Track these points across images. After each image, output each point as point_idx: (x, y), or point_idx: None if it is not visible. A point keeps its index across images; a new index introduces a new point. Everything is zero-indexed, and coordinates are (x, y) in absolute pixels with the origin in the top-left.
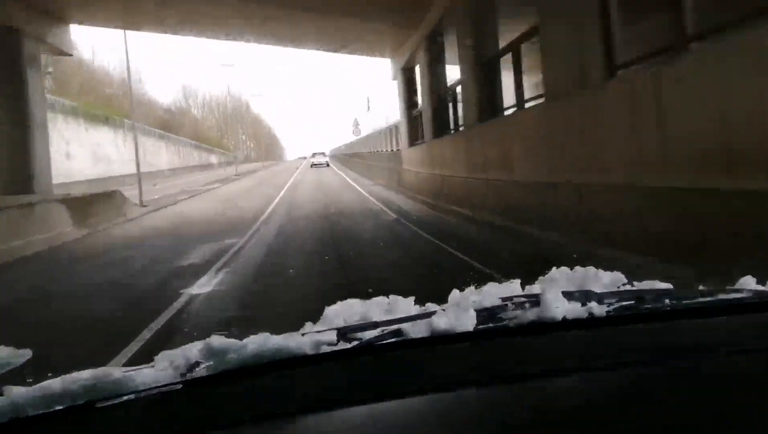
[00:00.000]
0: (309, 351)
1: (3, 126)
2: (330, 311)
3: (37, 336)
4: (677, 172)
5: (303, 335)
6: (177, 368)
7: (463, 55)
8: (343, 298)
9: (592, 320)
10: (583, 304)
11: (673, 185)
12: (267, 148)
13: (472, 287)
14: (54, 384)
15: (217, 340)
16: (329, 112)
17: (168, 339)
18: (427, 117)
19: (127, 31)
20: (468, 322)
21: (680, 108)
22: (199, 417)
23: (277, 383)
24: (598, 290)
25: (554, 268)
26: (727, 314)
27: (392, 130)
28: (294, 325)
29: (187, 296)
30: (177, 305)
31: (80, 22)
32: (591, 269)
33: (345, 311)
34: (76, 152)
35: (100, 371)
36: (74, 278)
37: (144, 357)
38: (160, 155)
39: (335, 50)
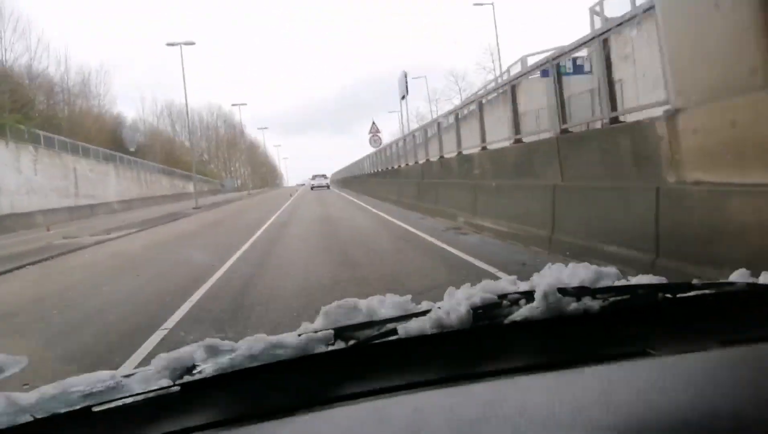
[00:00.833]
0: (305, 351)
1: None
2: (327, 310)
3: None
4: None
5: (299, 335)
6: (174, 371)
7: None
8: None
9: (586, 315)
10: (578, 300)
11: None
12: (264, 175)
13: (468, 284)
14: (51, 389)
15: (213, 342)
16: (334, 134)
17: None
18: None
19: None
20: (464, 319)
21: None
22: (196, 419)
23: (274, 383)
24: (592, 285)
25: (549, 264)
26: (721, 307)
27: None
28: (291, 323)
29: None
30: None
31: None
32: (586, 265)
33: (341, 310)
34: None
35: (96, 375)
36: None
37: None
38: (106, 183)
39: None
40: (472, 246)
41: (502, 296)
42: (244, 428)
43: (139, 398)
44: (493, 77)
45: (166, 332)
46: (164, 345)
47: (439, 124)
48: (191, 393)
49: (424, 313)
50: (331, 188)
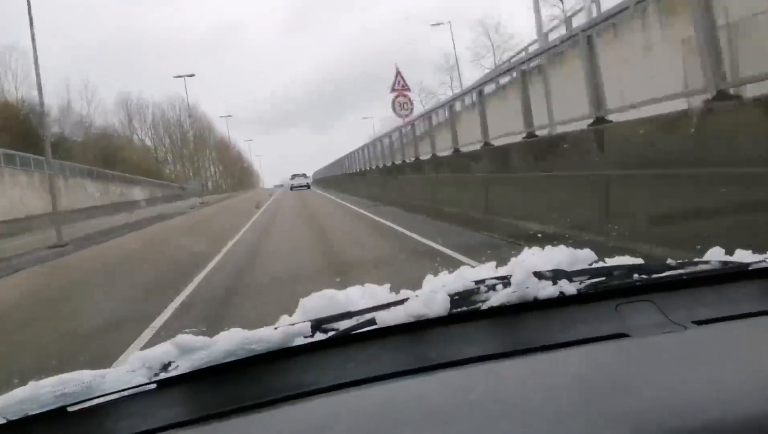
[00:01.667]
0: (282, 344)
1: None
2: (305, 302)
3: None
4: None
5: (276, 328)
6: (150, 368)
7: None
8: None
9: (562, 298)
10: (554, 283)
11: None
12: (238, 175)
13: (446, 272)
14: (23, 391)
15: (188, 338)
16: (314, 132)
17: None
18: None
19: None
20: (441, 306)
21: None
22: (172, 416)
23: (250, 377)
24: (568, 268)
25: (526, 248)
26: (696, 286)
27: None
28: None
29: None
30: None
31: None
32: (562, 247)
33: (320, 302)
34: None
35: (70, 376)
36: None
37: None
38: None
39: None
40: None
41: (480, 282)
42: (222, 422)
43: (114, 396)
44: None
45: None
46: None
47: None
48: (168, 390)
49: (402, 302)
50: (312, 188)
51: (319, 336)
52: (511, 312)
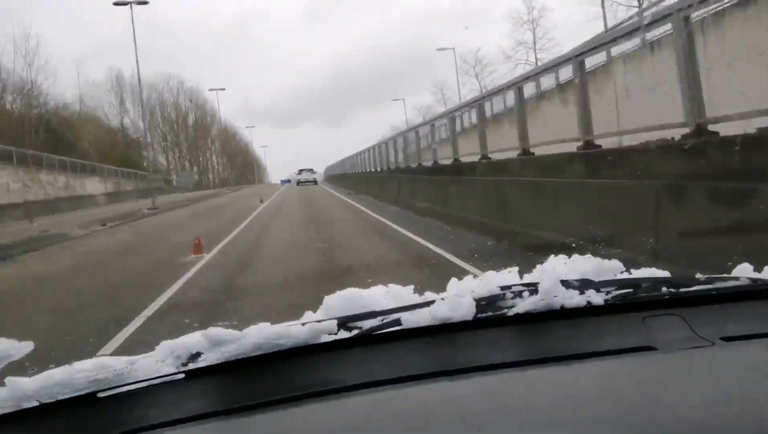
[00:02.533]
0: (309, 341)
1: None
2: (329, 300)
3: None
4: None
5: (303, 325)
6: (178, 358)
7: None
8: None
9: (590, 308)
10: (581, 292)
11: None
12: (241, 168)
13: (471, 276)
14: (56, 374)
15: (218, 331)
16: (326, 127)
17: None
18: None
19: None
20: (467, 311)
21: None
22: (200, 407)
23: (277, 372)
24: (595, 278)
25: (552, 256)
26: (724, 302)
27: None
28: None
29: None
30: None
31: None
32: (589, 257)
33: (344, 300)
34: None
35: (101, 361)
36: None
37: None
38: None
39: None
40: None
41: (506, 288)
42: (250, 416)
43: (143, 384)
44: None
45: None
46: None
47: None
48: (195, 381)
49: (427, 304)
50: (324, 186)
51: (344, 334)
52: (537, 320)
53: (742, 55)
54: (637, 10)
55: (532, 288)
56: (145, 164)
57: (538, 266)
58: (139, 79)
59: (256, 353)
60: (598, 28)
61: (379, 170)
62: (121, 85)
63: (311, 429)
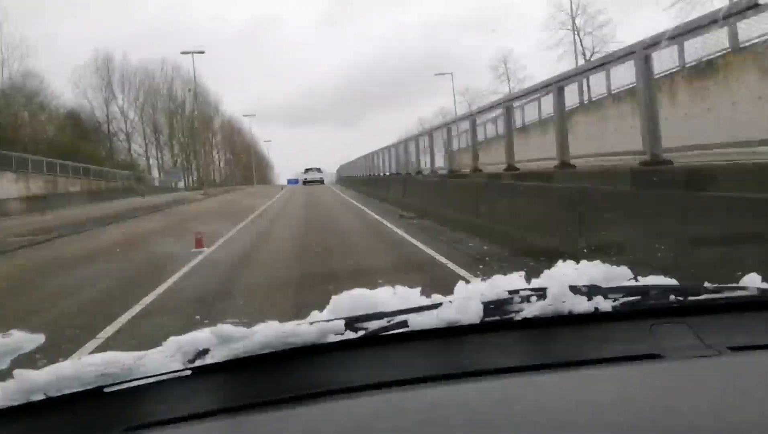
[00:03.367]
0: (317, 340)
1: None
2: (336, 300)
3: None
4: None
5: (311, 324)
6: (186, 354)
7: None
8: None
9: (597, 314)
10: (589, 298)
11: None
12: (247, 166)
13: (479, 279)
14: (64, 368)
15: (226, 328)
16: (338, 127)
17: None
18: None
19: None
20: (475, 314)
21: None
22: (206, 404)
23: (285, 371)
24: (604, 284)
25: (560, 261)
26: (732, 311)
27: None
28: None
29: None
30: None
31: None
32: (597, 263)
33: (351, 300)
34: None
35: (110, 355)
36: None
37: None
38: None
39: None
40: None
41: (513, 292)
42: (254, 415)
43: (150, 380)
44: None
45: None
46: None
47: None
48: (202, 377)
49: (435, 306)
50: (337, 191)
51: (351, 335)
52: (545, 325)
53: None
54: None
55: (541, 293)
56: (123, 158)
57: (546, 272)
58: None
59: (264, 351)
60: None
61: (418, 172)
62: (110, 69)
63: (317, 429)
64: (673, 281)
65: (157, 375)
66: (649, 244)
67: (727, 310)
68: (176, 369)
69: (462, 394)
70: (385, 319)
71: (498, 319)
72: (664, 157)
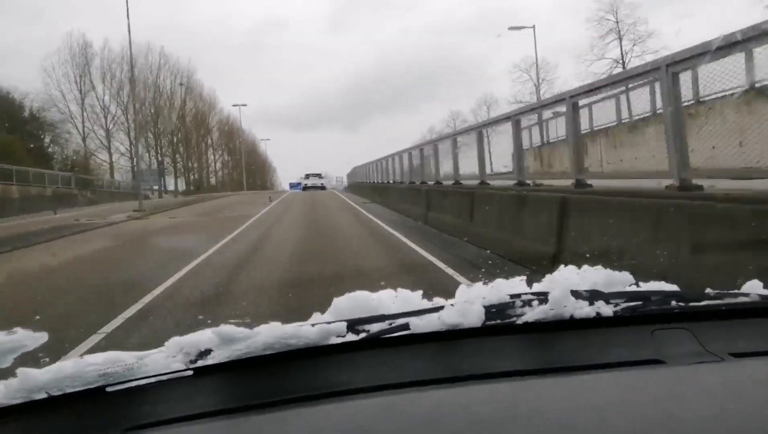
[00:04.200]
0: (318, 342)
1: None
2: (338, 302)
3: None
4: None
5: (313, 326)
6: (187, 355)
7: None
8: None
9: (599, 319)
10: (591, 303)
11: None
12: (246, 169)
13: (480, 283)
14: (67, 367)
15: (228, 329)
16: (343, 132)
17: None
18: None
19: None
20: (476, 318)
21: None
22: (208, 404)
23: (286, 372)
24: (605, 289)
25: (562, 266)
26: (733, 318)
27: None
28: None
29: None
30: None
31: None
32: (599, 268)
33: (353, 302)
34: None
35: (111, 355)
36: None
37: None
38: None
39: None
40: None
41: (515, 296)
42: (255, 416)
43: (152, 380)
44: None
45: None
46: None
47: None
48: (204, 378)
49: (436, 309)
50: (353, 205)
51: (353, 337)
52: (546, 329)
53: None
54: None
55: (542, 297)
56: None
57: (548, 276)
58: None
59: (266, 352)
60: None
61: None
62: (87, 57)
63: (318, 431)
64: (674, 287)
65: (158, 375)
66: None
67: (728, 316)
68: (178, 369)
69: (463, 397)
70: (387, 322)
71: (499, 323)
72: None
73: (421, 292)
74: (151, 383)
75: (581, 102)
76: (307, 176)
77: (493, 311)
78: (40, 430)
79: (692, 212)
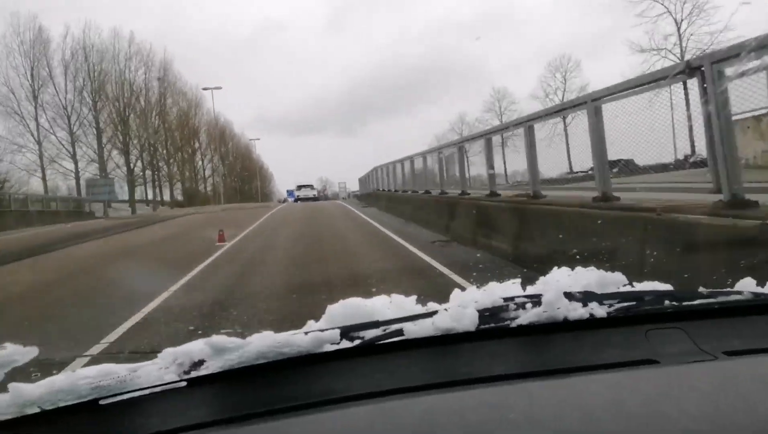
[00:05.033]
0: (312, 350)
1: None
2: (332, 309)
3: None
4: None
5: (306, 334)
6: (181, 365)
7: None
8: None
9: (592, 320)
10: (584, 305)
11: None
12: (238, 175)
13: (474, 287)
14: (58, 380)
15: (221, 339)
16: (341, 137)
17: None
18: None
19: None
20: (470, 322)
21: None
22: (202, 415)
23: (280, 381)
24: (598, 291)
25: (555, 268)
26: (727, 316)
27: None
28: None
29: None
30: None
31: None
32: (592, 269)
33: (347, 309)
34: None
35: (104, 368)
36: None
37: None
38: None
39: None
40: None
41: (509, 300)
42: (250, 425)
43: (145, 392)
44: None
45: None
46: None
47: None
48: (197, 389)
49: (430, 314)
50: (366, 217)
51: (347, 344)
52: (540, 332)
53: None
54: None
55: (535, 300)
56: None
57: (541, 278)
58: None
59: (259, 361)
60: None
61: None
62: (45, 48)
63: None
64: (668, 287)
65: (152, 387)
66: None
67: (722, 315)
68: (171, 380)
69: (458, 402)
70: (381, 328)
71: (493, 326)
72: None
73: (414, 297)
74: (144, 395)
75: None
76: (300, 188)
77: (486, 314)
78: None
79: None
